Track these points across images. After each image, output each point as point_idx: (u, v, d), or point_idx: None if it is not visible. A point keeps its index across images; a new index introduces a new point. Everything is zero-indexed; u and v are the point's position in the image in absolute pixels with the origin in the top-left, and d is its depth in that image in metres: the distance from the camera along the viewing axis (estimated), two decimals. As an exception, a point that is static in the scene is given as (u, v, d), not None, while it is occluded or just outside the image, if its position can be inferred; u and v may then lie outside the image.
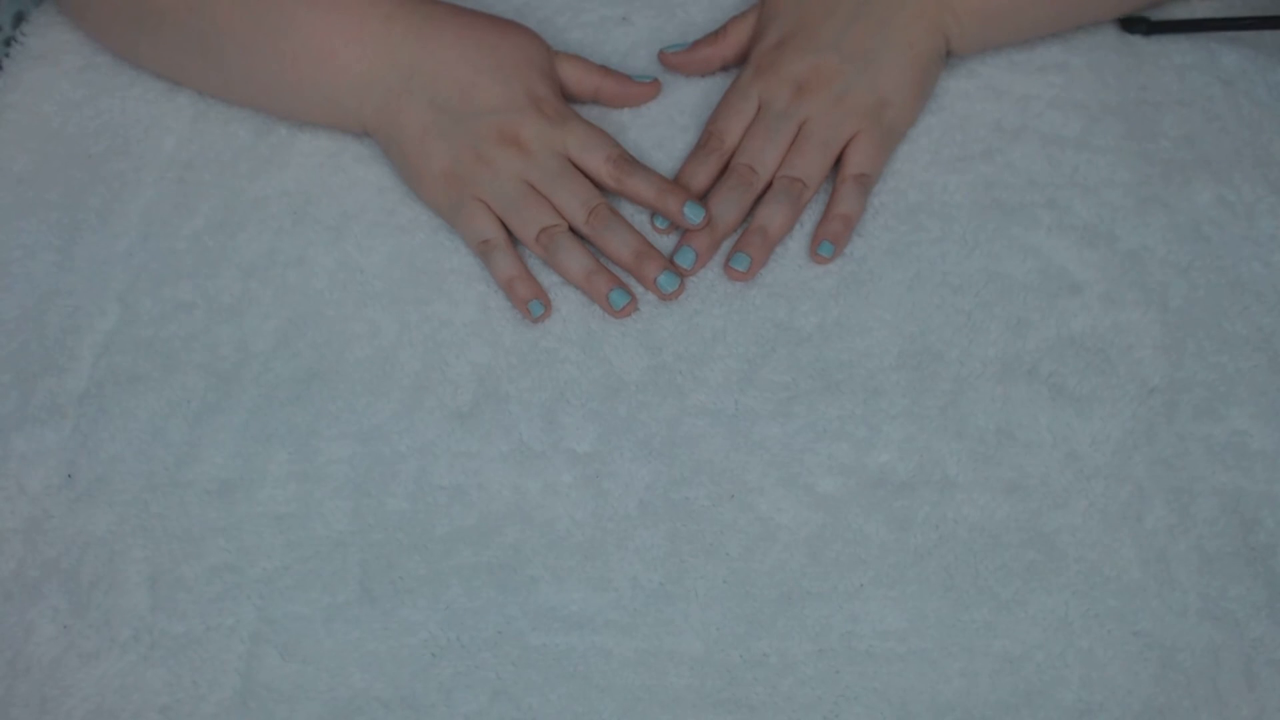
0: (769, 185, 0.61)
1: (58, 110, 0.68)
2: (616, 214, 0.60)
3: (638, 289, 0.60)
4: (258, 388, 0.59)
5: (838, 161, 0.62)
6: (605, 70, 0.65)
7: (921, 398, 0.56)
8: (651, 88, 0.65)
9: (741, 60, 0.66)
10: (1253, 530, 0.53)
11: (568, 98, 0.64)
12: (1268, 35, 0.66)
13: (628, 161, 0.60)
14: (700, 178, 0.62)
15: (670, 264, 0.59)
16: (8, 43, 0.71)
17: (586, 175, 0.61)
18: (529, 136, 0.60)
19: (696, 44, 0.66)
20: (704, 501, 0.55)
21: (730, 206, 0.60)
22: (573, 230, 0.60)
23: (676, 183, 0.61)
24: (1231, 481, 0.54)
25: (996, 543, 0.53)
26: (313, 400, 0.58)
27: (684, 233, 0.61)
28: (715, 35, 0.66)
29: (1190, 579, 0.52)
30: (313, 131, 0.66)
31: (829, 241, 0.60)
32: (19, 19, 0.72)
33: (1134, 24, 0.66)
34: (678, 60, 0.66)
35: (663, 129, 0.65)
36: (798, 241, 0.61)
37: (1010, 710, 0.50)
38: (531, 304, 0.59)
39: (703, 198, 0.61)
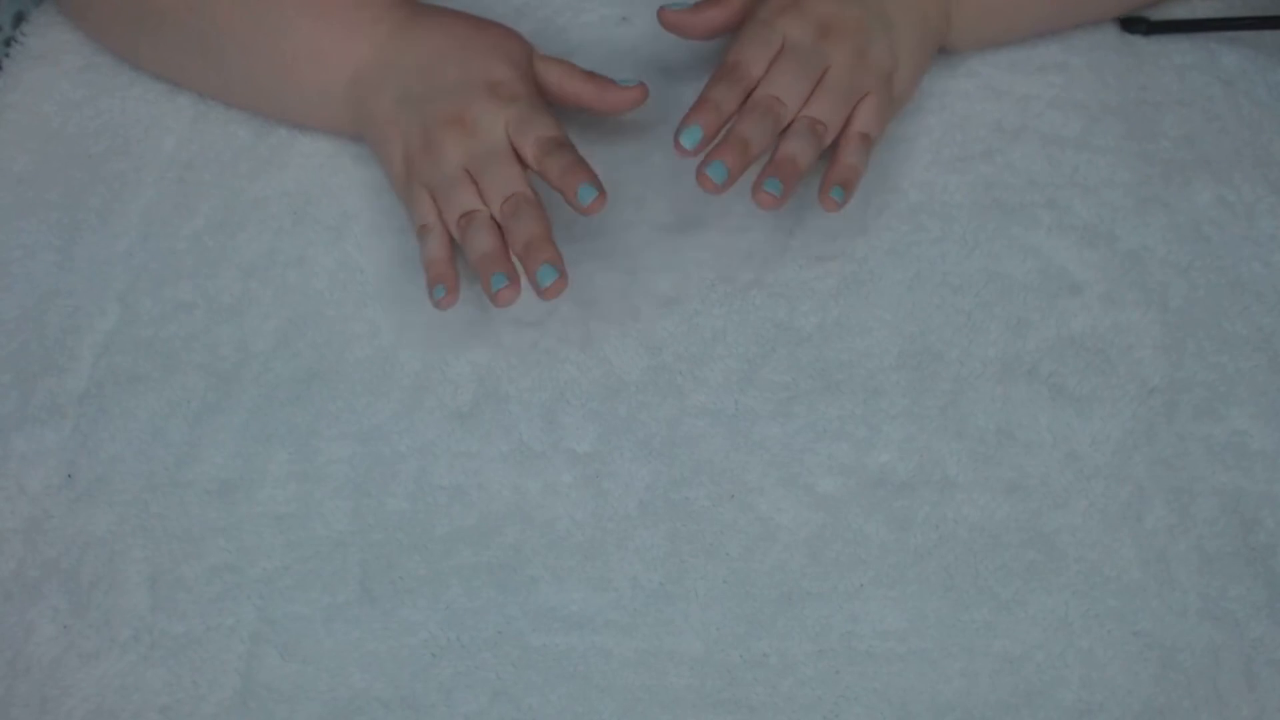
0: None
1: (58, 110, 0.68)
2: (531, 203, 0.57)
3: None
4: (258, 388, 0.59)
5: None
6: (588, 75, 0.62)
7: (921, 398, 0.56)
8: (637, 91, 0.62)
9: (741, 24, 0.62)
10: (1253, 530, 0.53)
11: (553, 102, 0.63)
12: (1268, 35, 0.66)
13: (554, 143, 0.57)
14: (728, 102, 0.58)
15: (558, 259, 0.55)
16: (8, 43, 0.71)
17: (521, 158, 0.59)
18: (474, 116, 0.58)
19: (700, 4, 0.62)
20: (704, 501, 0.55)
21: (763, 131, 0.57)
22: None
23: (586, 166, 0.57)
24: (1231, 481, 0.54)
25: (996, 543, 0.53)
26: (313, 400, 0.58)
27: (714, 147, 0.56)
28: None
29: (1190, 579, 0.52)
30: (313, 132, 0.66)
31: (840, 186, 0.57)
32: (19, 19, 0.72)
33: (1134, 24, 0.66)
34: (678, 19, 0.62)
35: (663, 128, 0.65)
36: (798, 240, 0.61)
37: (1010, 710, 0.49)
38: (436, 287, 0.56)
39: (728, 121, 0.58)
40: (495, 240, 0.56)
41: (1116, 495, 0.54)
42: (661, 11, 0.62)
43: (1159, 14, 0.67)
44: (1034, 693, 0.50)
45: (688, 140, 0.57)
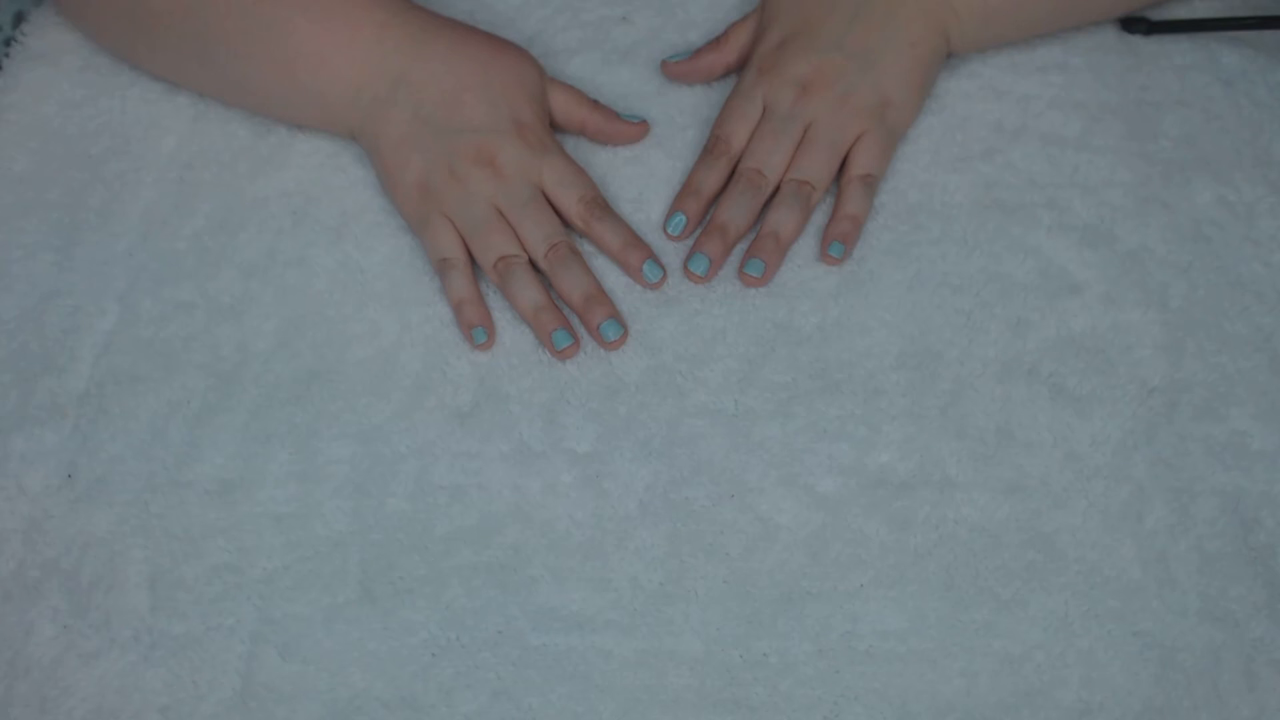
0: (777, 188, 0.61)
1: (58, 110, 0.68)
2: (576, 253, 0.60)
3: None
4: (258, 388, 0.59)
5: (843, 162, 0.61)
6: (594, 104, 0.64)
7: (921, 398, 0.56)
8: (639, 129, 0.64)
9: (743, 64, 0.65)
10: (1253, 530, 0.53)
11: (555, 127, 0.64)
12: (1268, 35, 0.66)
13: (600, 206, 0.60)
14: (710, 182, 0.61)
15: (617, 312, 0.59)
16: (7, 43, 0.71)
17: (557, 210, 0.61)
18: (505, 160, 0.60)
19: (698, 52, 0.66)
20: (704, 502, 0.55)
21: (741, 211, 0.60)
22: (532, 263, 0.60)
23: (642, 240, 0.60)
24: (1231, 481, 0.54)
25: (996, 543, 0.53)
26: (313, 400, 0.58)
27: (696, 238, 0.60)
28: (717, 41, 0.65)
29: (1190, 579, 0.52)
30: (313, 132, 0.66)
31: (839, 242, 0.60)
32: (19, 19, 0.72)
33: (1134, 24, 0.66)
34: (681, 70, 0.66)
35: (663, 128, 0.65)
36: (800, 241, 0.61)
37: (1010, 710, 0.50)
38: (476, 330, 0.59)
39: (712, 202, 0.61)
40: (543, 292, 0.59)
41: (1116, 495, 0.54)
42: (664, 65, 0.66)
43: (1159, 14, 0.67)
44: (1034, 693, 0.50)
45: (673, 228, 0.61)
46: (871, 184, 0.61)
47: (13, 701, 0.52)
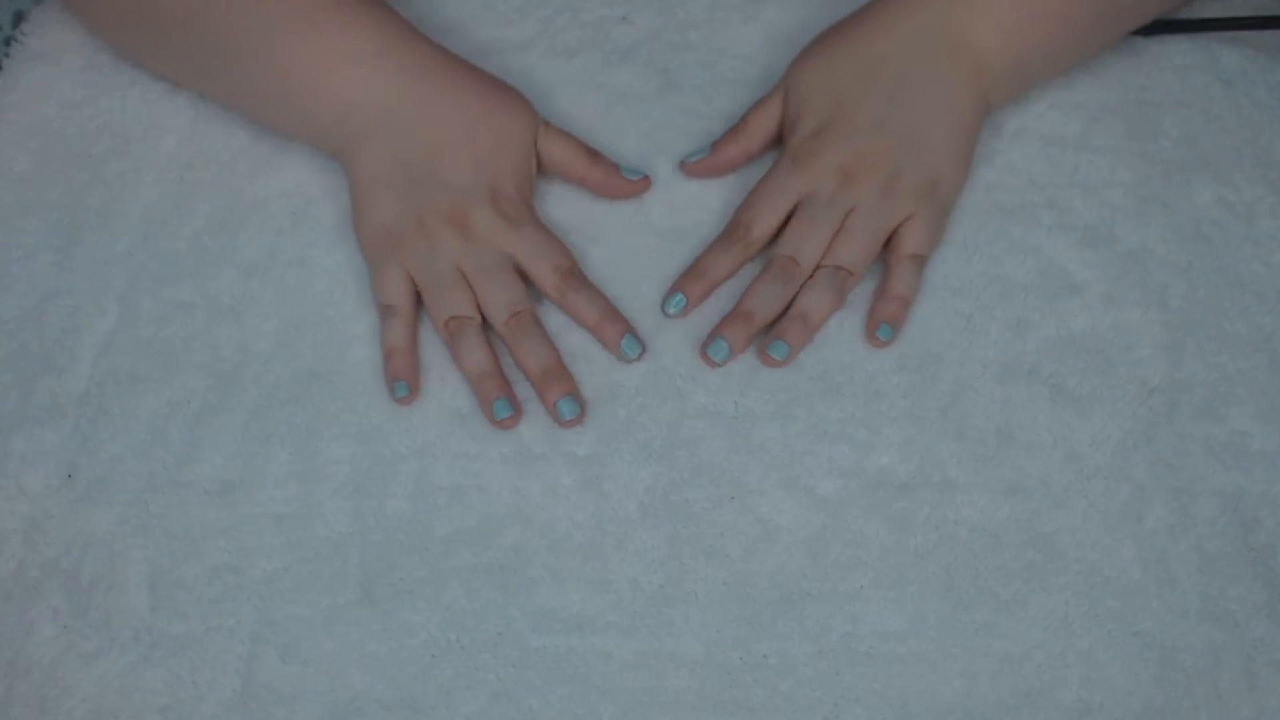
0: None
1: (58, 110, 0.68)
2: (538, 323, 0.58)
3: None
4: (258, 388, 0.59)
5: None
6: (593, 159, 0.61)
7: (922, 400, 0.56)
8: (639, 185, 0.62)
9: (766, 150, 0.63)
10: (1253, 530, 0.53)
11: (549, 172, 0.62)
12: (1268, 35, 0.66)
13: (576, 276, 0.58)
14: (720, 268, 0.59)
15: (575, 389, 0.56)
16: (7, 42, 0.71)
17: (531, 280, 0.59)
18: (477, 225, 0.58)
19: (717, 146, 0.62)
20: (704, 503, 0.55)
21: (771, 299, 0.57)
22: (486, 325, 0.58)
23: (620, 314, 0.58)
24: (1231, 481, 0.54)
25: (996, 543, 0.53)
26: (313, 401, 0.58)
27: (720, 321, 0.58)
28: (735, 131, 0.62)
29: (1190, 579, 0.52)
30: (313, 131, 0.66)
31: (887, 324, 0.57)
32: (18, 18, 0.72)
33: (1134, 24, 0.66)
34: (701, 169, 0.62)
35: (664, 132, 0.65)
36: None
37: (1010, 711, 0.50)
38: (398, 383, 0.57)
39: (716, 288, 0.59)
40: (491, 358, 0.57)
41: (1116, 495, 0.54)
42: (683, 165, 0.63)
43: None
44: (1034, 693, 0.50)
45: (672, 308, 0.59)
46: (921, 263, 0.58)
47: (13, 701, 0.52)
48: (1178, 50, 0.66)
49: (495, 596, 0.53)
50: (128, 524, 0.55)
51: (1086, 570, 0.52)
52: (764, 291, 0.57)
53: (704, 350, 0.57)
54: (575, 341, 0.59)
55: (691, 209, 0.63)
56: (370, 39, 0.60)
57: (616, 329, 0.57)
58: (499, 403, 0.56)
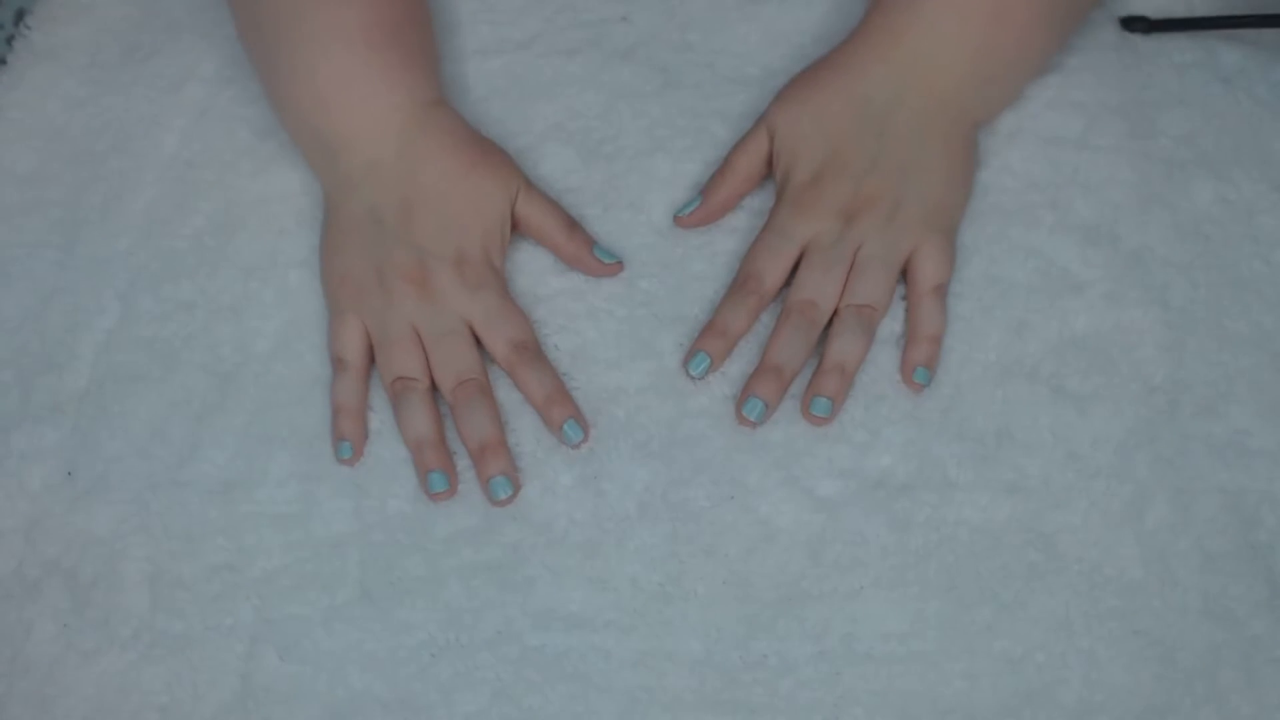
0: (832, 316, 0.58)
1: (60, 108, 0.68)
2: (487, 394, 0.57)
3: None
4: (258, 388, 0.59)
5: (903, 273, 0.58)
6: (571, 230, 0.60)
7: (922, 401, 0.56)
8: (610, 269, 0.60)
9: (755, 188, 0.62)
10: (1254, 529, 0.53)
11: (526, 235, 0.61)
12: (1268, 34, 0.66)
13: (529, 351, 0.57)
14: (738, 323, 0.57)
15: (512, 470, 0.55)
16: (10, 40, 0.71)
17: (484, 348, 0.58)
18: (436, 287, 0.57)
19: (707, 192, 0.61)
20: (703, 503, 0.54)
21: (797, 348, 0.56)
22: (435, 390, 0.57)
23: (568, 396, 0.57)
24: (1233, 480, 0.54)
25: (997, 544, 0.53)
26: (314, 401, 0.58)
27: (750, 377, 0.56)
28: (722, 174, 0.61)
29: (1191, 578, 0.52)
30: (313, 131, 0.66)
31: (924, 368, 0.56)
32: (20, 16, 0.72)
33: (1134, 23, 0.66)
34: (694, 220, 0.61)
35: (663, 130, 0.65)
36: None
37: (1011, 711, 0.49)
38: (342, 444, 0.56)
39: (737, 343, 0.58)
40: (433, 424, 0.56)
41: (1117, 495, 0.54)
42: (677, 219, 0.62)
43: (1159, 13, 0.67)
44: (1035, 693, 0.50)
45: (695, 369, 0.57)
46: (942, 294, 0.58)
47: (12, 700, 0.52)
48: (1177, 48, 0.66)
49: (494, 595, 0.53)
50: (128, 523, 0.55)
51: (1087, 570, 0.52)
52: (788, 342, 0.56)
53: (739, 410, 0.56)
54: (574, 341, 0.59)
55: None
56: (393, 94, 0.59)
57: (562, 411, 0.56)
58: (434, 475, 0.55)
